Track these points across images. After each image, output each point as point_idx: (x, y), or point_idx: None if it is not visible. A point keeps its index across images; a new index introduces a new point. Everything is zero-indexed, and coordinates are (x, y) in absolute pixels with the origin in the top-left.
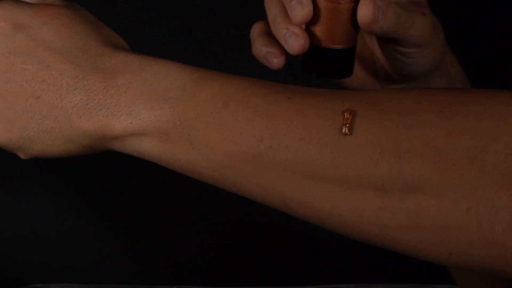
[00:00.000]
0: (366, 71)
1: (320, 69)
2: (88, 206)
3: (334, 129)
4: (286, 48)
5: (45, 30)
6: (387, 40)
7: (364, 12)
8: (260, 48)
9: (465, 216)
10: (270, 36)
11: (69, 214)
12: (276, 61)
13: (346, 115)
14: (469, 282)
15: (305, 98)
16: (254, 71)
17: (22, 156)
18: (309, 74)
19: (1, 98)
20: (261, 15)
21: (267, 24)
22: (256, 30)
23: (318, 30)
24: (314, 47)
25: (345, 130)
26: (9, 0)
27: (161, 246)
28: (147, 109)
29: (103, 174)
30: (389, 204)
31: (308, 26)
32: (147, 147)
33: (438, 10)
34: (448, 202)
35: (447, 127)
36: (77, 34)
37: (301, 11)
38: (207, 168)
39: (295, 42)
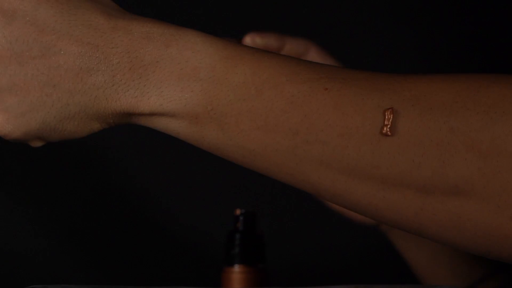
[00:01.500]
0: None
1: None
2: (88, 206)
3: (374, 128)
4: None
5: (41, 10)
6: None
7: None
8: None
9: (509, 223)
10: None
11: (69, 214)
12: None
13: (388, 115)
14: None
15: (341, 90)
16: None
17: (36, 145)
18: None
19: (9, 93)
20: (261, 15)
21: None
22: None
23: None
24: None
25: (387, 130)
26: None
27: (161, 246)
28: (178, 91)
29: (103, 174)
30: (429, 205)
31: None
32: (175, 127)
33: (438, 10)
34: (491, 208)
35: (492, 131)
36: (78, 9)
37: None
38: (237, 153)
39: None
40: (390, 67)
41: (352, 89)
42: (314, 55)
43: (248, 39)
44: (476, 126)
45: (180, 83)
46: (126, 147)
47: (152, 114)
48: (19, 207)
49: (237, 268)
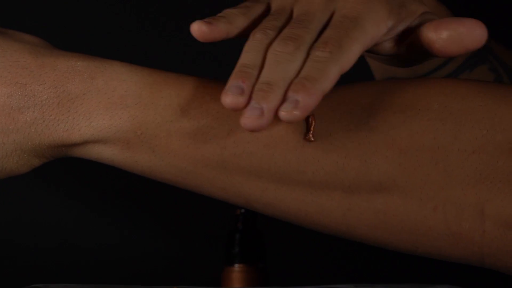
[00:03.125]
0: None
1: None
2: (88, 206)
3: (297, 135)
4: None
5: None
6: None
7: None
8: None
9: (432, 215)
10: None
11: (69, 214)
12: (204, 28)
13: (310, 120)
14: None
15: None
16: None
17: None
18: None
19: None
20: None
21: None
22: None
23: None
24: None
25: (309, 136)
26: None
27: (161, 246)
28: (106, 119)
29: (103, 174)
30: (356, 205)
31: None
32: (108, 155)
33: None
34: (415, 201)
35: (410, 128)
36: (6, 51)
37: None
38: (169, 173)
39: (256, 120)
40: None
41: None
42: None
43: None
44: (394, 124)
45: (109, 112)
46: None
47: (85, 143)
48: (19, 207)
49: (237, 267)
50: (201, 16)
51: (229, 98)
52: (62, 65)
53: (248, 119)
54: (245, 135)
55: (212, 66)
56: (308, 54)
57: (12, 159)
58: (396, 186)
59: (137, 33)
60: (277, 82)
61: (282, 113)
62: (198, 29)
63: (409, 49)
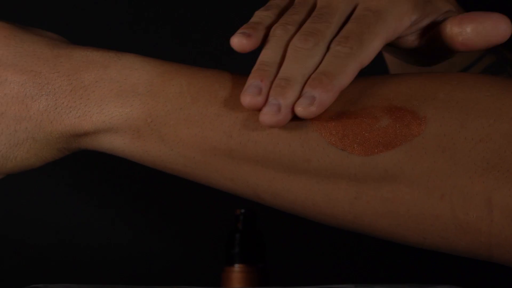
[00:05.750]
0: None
1: None
2: (88, 206)
3: (301, 122)
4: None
5: None
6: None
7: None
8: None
9: (439, 203)
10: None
11: (69, 214)
12: (244, 42)
13: None
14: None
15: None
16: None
17: None
18: None
19: None
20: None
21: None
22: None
23: None
24: None
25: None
26: None
27: (161, 246)
28: (118, 106)
29: (103, 174)
30: (363, 193)
31: None
32: (119, 144)
33: None
34: (422, 189)
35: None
36: (24, 42)
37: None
38: (179, 163)
39: (274, 116)
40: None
41: None
42: None
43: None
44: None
45: (120, 99)
46: None
47: (96, 132)
48: (19, 207)
49: (237, 267)
50: (200, 16)
51: (248, 98)
52: (77, 54)
53: (265, 115)
54: (249, 123)
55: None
56: (328, 47)
57: (23, 147)
58: (403, 174)
59: (137, 35)
60: (295, 78)
61: (299, 109)
62: (238, 42)
63: (431, 44)
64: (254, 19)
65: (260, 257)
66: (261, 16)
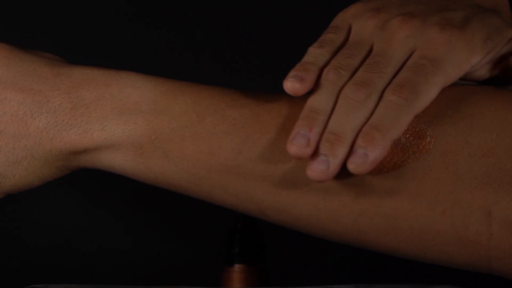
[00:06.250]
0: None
1: None
2: (88, 206)
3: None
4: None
5: None
6: None
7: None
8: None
9: (440, 218)
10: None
11: (69, 214)
12: (298, 86)
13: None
14: None
15: (282, 111)
16: (255, 71)
17: None
18: None
19: None
20: (261, 16)
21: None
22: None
23: None
24: None
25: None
26: None
27: (161, 246)
28: (121, 124)
29: (103, 174)
30: (367, 210)
31: None
32: (120, 161)
33: None
34: (424, 205)
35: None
36: (24, 62)
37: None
38: (182, 179)
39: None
40: None
41: (292, 110)
42: None
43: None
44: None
45: (123, 117)
46: None
47: (97, 149)
48: (19, 207)
49: (237, 267)
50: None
51: (294, 148)
52: (77, 73)
53: (314, 172)
54: (261, 141)
55: (214, 70)
56: (381, 95)
57: (22, 166)
58: (407, 191)
59: (136, 41)
60: (345, 133)
61: (351, 167)
62: (291, 87)
63: (501, 74)
64: (307, 58)
65: (260, 257)
66: (315, 55)
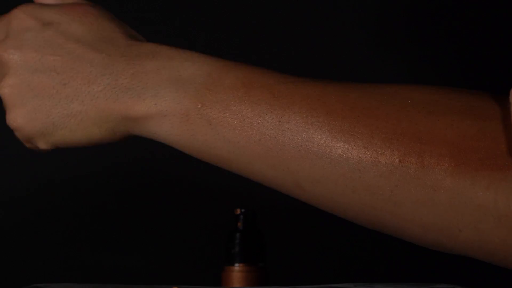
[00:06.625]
0: None
1: None
2: (88, 206)
3: (353, 111)
4: None
5: (73, 26)
6: None
7: None
8: None
9: (484, 193)
10: None
11: (69, 213)
12: None
13: None
14: None
15: (326, 87)
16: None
17: (42, 145)
18: None
19: (28, 89)
20: (262, 17)
21: None
22: None
23: None
24: None
25: None
26: (36, 3)
27: (161, 246)
28: (172, 91)
29: (103, 174)
30: (405, 181)
31: None
32: (167, 128)
33: (440, 10)
34: (468, 180)
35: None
36: (105, 30)
37: None
38: (223, 149)
39: None
40: None
41: (335, 86)
42: None
43: None
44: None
45: (176, 86)
46: (126, 146)
47: (146, 116)
48: (19, 207)
49: (237, 267)
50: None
51: None
52: (147, 46)
53: None
54: (302, 111)
55: None
56: None
57: (75, 119)
58: (451, 166)
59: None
60: None
61: None
62: None
63: None
64: None
65: (260, 256)
66: None
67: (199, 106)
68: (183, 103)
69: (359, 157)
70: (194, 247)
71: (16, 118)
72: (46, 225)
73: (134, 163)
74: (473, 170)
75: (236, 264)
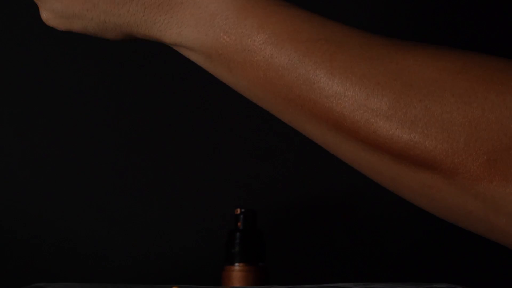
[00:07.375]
0: None
1: None
2: (88, 206)
3: (359, 94)
4: None
5: None
6: None
7: None
8: None
9: (473, 201)
10: None
11: (69, 213)
12: None
13: None
14: None
15: (334, 55)
16: None
17: (57, 19)
18: None
19: (56, 0)
20: None
21: None
22: None
23: None
24: None
25: None
26: None
27: (161, 246)
28: (194, 33)
29: (103, 174)
30: (404, 173)
31: None
32: (195, 59)
33: (439, 10)
34: (459, 185)
35: (464, 115)
36: None
37: None
38: (244, 93)
39: None
40: None
41: (343, 56)
42: None
43: None
44: (448, 109)
45: (197, 27)
46: (126, 146)
47: (174, 44)
48: (19, 207)
49: (237, 266)
50: None
51: None
52: None
53: None
54: (310, 81)
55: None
56: None
57: (112, 33)
58: (446, 166)
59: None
60: None
61: None
62: None
63: None
64: None
65: (260, 256)
66: None
67: (220, 52)
68: (205, 46)
69: (363, 139)
70: (194, 247)
71: (49, 21)
72: (46, 225)
73: (134, 162)
74: (465, 177)
75: (236, 264)
